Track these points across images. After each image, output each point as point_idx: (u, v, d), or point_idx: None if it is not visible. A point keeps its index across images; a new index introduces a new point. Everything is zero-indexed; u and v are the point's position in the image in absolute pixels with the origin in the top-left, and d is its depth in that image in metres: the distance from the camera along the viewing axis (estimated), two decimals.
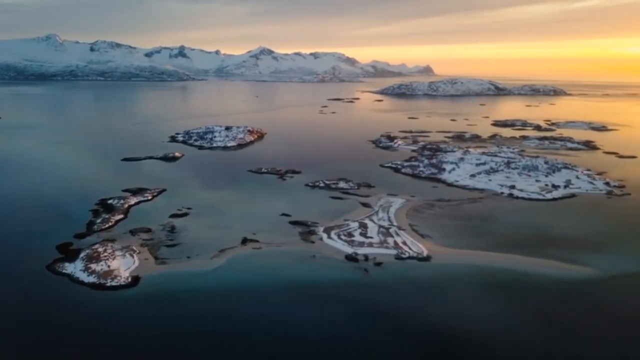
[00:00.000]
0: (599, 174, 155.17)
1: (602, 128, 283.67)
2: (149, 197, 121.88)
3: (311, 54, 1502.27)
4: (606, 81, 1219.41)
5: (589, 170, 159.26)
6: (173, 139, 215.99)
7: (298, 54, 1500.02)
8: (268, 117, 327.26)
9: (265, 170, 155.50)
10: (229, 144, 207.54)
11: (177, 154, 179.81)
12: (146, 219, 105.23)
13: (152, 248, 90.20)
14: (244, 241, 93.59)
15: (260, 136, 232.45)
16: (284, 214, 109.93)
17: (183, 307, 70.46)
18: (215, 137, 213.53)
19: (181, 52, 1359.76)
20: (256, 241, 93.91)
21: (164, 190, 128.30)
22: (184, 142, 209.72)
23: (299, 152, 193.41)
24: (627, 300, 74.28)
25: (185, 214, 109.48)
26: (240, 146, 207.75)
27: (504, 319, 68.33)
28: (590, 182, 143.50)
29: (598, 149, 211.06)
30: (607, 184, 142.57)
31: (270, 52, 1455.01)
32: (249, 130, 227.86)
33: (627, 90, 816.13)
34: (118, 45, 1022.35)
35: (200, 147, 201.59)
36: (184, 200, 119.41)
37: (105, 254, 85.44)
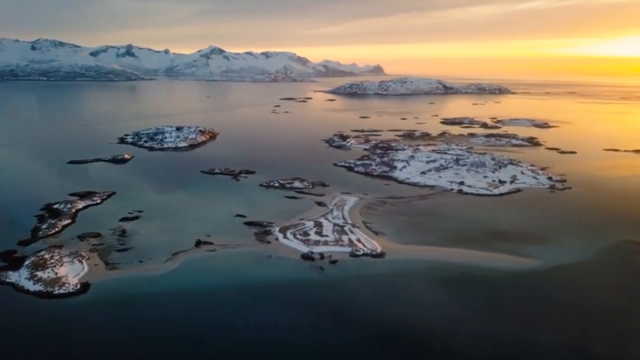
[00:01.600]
0: (542, 169, 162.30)
1: (544, 125, 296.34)
2: (98, 201, 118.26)
3: (263, 54, 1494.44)
4: (547, 80, 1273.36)
5: (533, 165, 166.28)
6: (122, 141, 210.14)
7: (249, 53, 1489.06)
8: (220, 117, 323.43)
9: (219, 171, 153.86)
10: (180, 145, 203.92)
11: (126, 156, 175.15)
12: (95, 224, 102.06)
13: (102, 253, 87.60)
14: (198, 243, 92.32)
15: (213, 136, 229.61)
16: (238, 215, 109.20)
17: (136, 313, 68.98)
18: (166, 137, 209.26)
19: (129, 51, 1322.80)
20: (210, 243, 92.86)
21: (113, 193, 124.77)
22: (133, 143, 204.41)
23: (253, 152, 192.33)
24: (570, 289, 78.14)
25: (136, 217, 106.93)
26: (192, 147, 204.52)
27: (455, 312, 70.46)
28: (534, 177, 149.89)
29: (541, 145, 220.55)
30: (550, 178, 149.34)
31: (221, 51, 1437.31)
32: (200, 131, 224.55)
33: (566, 89, 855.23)
34: (61, 43, 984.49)
35: (151, 149, 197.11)
36: (135, 203, 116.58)
37: (52, 260, 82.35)
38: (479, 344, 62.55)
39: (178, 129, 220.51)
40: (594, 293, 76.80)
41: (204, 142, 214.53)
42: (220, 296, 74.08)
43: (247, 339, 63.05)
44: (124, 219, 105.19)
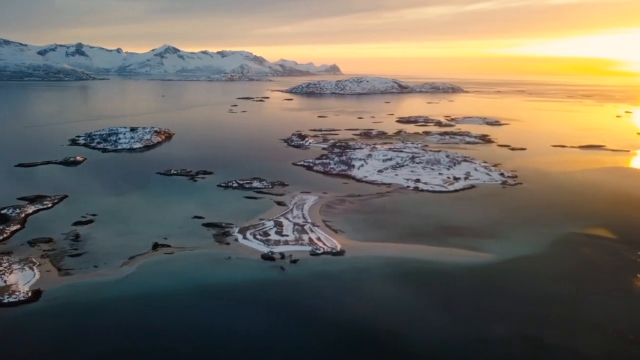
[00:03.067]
0: (495, 165, 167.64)
1: (495, 123, 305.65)
2: (49, 205, 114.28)
3: (219, 53, 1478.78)
4: (497, 79, 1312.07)
5: (485, 162, 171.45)
6: (74, 143, 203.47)
7: (205, 52, 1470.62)
8: (176, 117, 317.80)
9: (175, 172, 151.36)
10: (135, 146, 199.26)
11: (78, 158, 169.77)
12: (47, 229, 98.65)
13: (54, 259, 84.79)
14: (155, 247, 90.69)
15: (169, 137, 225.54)
16: (196, 217, 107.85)
17: (92, 320, 67.03)
18: (120, 139, 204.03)
19: (79, 50, 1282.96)
20: (168, 246, 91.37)
21: (65, 197, 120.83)
22: (86, 145, 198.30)
23: (210, 152, 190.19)
24: (523, 281, 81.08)
25: (90, 222, 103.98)
26: (147, 148, 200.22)
27: (414, 307, 71.99)
28: (488, 174, 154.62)
29: (493, 142, 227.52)
30: (502, 175, 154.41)
31: (176, 50, 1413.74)
32: (156, 131, 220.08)
33: (516, 88, 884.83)
34: (7, 42, 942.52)
35: (104, 150, 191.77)
36: (88, 206, 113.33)
37: (1, 268, 79.18)
38: (437, 338, 64.17)
39: (133, 130, 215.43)
40: (545, 284, 79.94)
41: (159, 143, 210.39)
42: (180, 300, 72.99)
43: (209, 343, 62.43)
44: (77, 224, 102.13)
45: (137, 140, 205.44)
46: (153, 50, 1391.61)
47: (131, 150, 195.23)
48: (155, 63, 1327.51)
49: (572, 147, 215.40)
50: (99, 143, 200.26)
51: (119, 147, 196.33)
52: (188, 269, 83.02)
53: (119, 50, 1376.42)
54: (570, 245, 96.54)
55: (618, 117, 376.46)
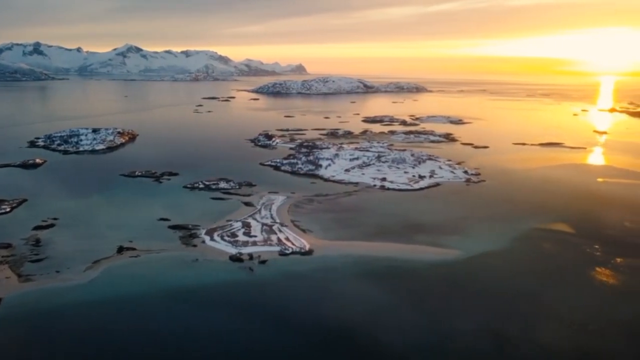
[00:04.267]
0: (459, 163, 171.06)
1: (459, 121, 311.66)
2: (7, 209, 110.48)
3: (183, 52, 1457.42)
4: (460, 79, 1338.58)
5: (449, 160, 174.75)
6: (32, 144, 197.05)
7: (169, 52, 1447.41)
8: (140, 117, 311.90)
9: (139, 174, 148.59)
10: (97, 147, 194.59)
11: (38, 160, 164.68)
12: (5, 234, 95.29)
13: (13, 265, 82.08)
14: (120, 250, 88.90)
15: (132, 138, 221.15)
16: (162, 219, 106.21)
17: (55, 327, 65.26)
18: (81, 140, 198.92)
19: (37, 49, 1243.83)
20: (133, 249, 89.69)
21: (24, 200, 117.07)
22: (45, 147, 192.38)
23: (175, 153, 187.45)
24: (488, 276, 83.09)
25: (51, 225, 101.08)
26: (110, 149, 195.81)
27: (383, 305, 72.86)
28: (452, 172, 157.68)
29: (456, 140, 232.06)
30: (466, 172, 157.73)
31: (139, 49, 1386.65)
32: (119, 132, 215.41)
33: (478, 87, 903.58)
34: None
35: (65, 152, 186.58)
36: (49, 210, 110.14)
37: None
38: (406, 335, 65.12)
39: (94, 130, 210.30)
40: (508, 279, 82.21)
41: (122, 144, 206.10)
42: (147, 304, 71.83)
43: (176, 347, 61.66)
44: (37, 228, 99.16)
45: (99, 141, 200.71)
46: (115, 50, 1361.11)
47: (93, 151, 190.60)
48: (117, 62, 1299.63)
49: (532, 144, 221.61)
50: (59, 144, 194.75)
51: (81, 149, 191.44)
52: (154, 271, 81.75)
53: (78, 49, 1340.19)
54: (532, 240, 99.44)
55: (575, 115, 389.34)
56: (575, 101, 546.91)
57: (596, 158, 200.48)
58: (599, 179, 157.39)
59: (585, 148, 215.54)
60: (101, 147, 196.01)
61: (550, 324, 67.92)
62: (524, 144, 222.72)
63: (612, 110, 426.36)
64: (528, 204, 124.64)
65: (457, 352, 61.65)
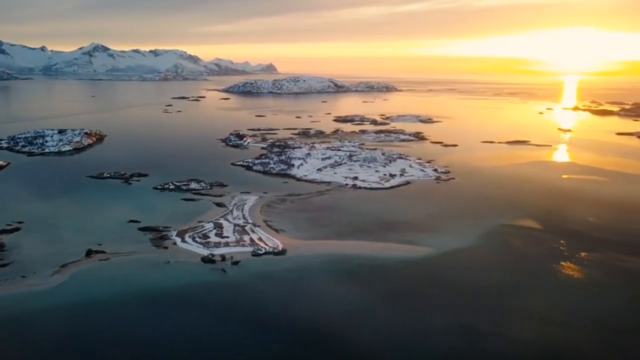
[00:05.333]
0: (428, 162, 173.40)
1: (428, 120, 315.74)
2: None
3: (151, 52, 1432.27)
4: (429, 78, 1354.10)
5: (419, 159, 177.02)
6: None
7: (136, 51, 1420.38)
8: (107, 118, 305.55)
9: (108, 175, 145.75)
10: (63, 149, 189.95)
11: (1, 163, 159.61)
12: None
13: None
14: (89, 253, 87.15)
15: (100, 138, 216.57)
16: (132, 221, 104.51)
17: (22, 333, 63.57)
18: (47, 141, 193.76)
19: None
20: (102, 252, 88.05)
21: None
22: (9, 148, 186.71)
23: (145, 153, 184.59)
24: (458, 272, 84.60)
25: (16, 229, 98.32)
26: (77, 150, 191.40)
27: (357, 303, 73.35)
28: (422, 170, 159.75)
29: (426, 139, 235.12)
30: (436, 170, 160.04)
31: (106, 48, 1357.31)
32: (86, 133, 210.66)
33: (447, 86, 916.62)
34: None
35: (30, 154, 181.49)
36: (14, 213, 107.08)
37: None
38: (380, 332, 65.84)
39: (61, 131, 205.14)
40: (479, 274, 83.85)
41: (90, 145, 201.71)
42: (117, 308, 70.61)
43: (149, 351, 60.92)
44: (1, 232, 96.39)
45: (65, 142, 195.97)
46: (81, 49, 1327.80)
47: (59, 153, 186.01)
48: (83, 62, 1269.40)
49: (499, 142, 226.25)
50: (23, 146, 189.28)
51: (46, 150, 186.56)
52: (124, 275, 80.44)
53: (43, 48, 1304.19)
54: (500, 237, 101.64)
55: (540, 113, 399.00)
56: (540, 100, 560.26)
57: (561, 155, 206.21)
58: (564, 176, 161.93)
59: (550, 145, 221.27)
60: (68, 148, 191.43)
61: (518, 317, 69.72)
62: (491, 142, 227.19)
63: (576, 108, 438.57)
64: (496, 201, 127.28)
65: (429, 348, 62.66)
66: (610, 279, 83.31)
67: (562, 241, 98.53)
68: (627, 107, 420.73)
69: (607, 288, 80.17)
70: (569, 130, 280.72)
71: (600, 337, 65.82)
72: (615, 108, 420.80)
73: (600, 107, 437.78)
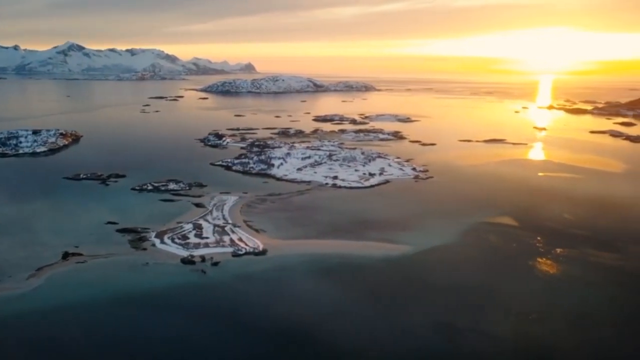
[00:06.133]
0: (407, 160, 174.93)
1: (406, 120, 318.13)
2: None
3: (128, 51, 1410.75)
4: (407, 77, 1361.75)
5: (398, 158, 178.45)
6: None
7: (113, 50, 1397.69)
8: (83, 118, 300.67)
9: (84, 176, 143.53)
10: (38, 150, 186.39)
11: None
12: None
13: None
14: (65, 256, 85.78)
15: (76, 139, 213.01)
16: (110, 222, 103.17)
17: None
18: (21, 142, 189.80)
19: None
20: (80, 254, 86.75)
21: None
22: None
23: (122, 154, 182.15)
24: (437, 269, 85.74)
25: None
26: (52, 151, 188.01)
27: (337, 302, 73.70)
28: (401, 169, 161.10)
29: (405, 138, 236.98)
30: (414, 169, 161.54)
31: (81, 48, 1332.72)
32: (61, 133, 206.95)
33: (424, 85, 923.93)
34: None
35: (3, 155, 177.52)
36: None
37: None
38: (361, 331, 66.32)
39: (35, 132, 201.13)
40: (457, 271, 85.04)
41: (66, 146, 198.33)
42: (95, 311, 69.66)
43: (128, 355, 60.29)
44: None
45: (40, 143, 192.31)
46: (55, 48, 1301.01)
47: (34, 154, 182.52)
48: (58, 61, 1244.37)
49: (477, 141, 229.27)
50: None
51: (20, 151, 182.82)
52: (102, 277, 79.42)
53: (15, 47, 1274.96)
54: (478, 234, 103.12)
55: (516, 112, 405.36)
56: (516, 99, 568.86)
57: (537, 153, 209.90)
58: (540, 174, 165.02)
59: (526, 144, 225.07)
60: (42, 149, 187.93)
61: (496, 313, 70.94)
62: (469, 140, 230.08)
63: (551, 107, 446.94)
64: (474, 199, 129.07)
65: (409, 345, 63.34)
66: (585, 274, 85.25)
67: (538, 238, 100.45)
68: (599, 105, 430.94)
69: (582, 283, 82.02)
70: (544, 129, 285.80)
71: (575, 331, 67.37)
72: (589, 107, 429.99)
73: (575, 106, 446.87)
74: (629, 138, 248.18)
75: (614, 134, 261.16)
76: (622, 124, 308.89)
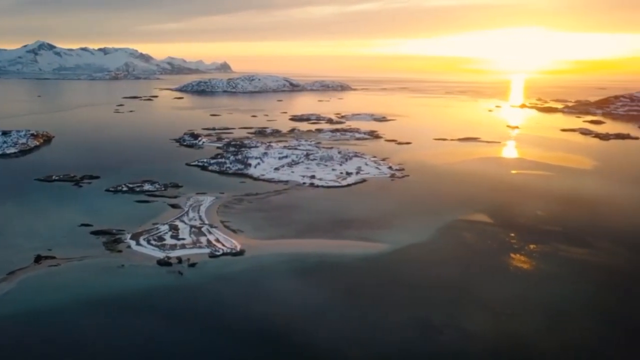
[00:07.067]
0: (383, 159, 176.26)
1: (382, 119, 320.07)
2: None
3: (100, 50, 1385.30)
4: (382, 77, 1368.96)
5: (375, 157, 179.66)
6: None
7: (85, 49, 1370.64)
8: (55, 118, 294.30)
9: (57, 178, 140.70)
10: (8, 151, 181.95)
11: None
12: None
13: None
14: (38, 259, 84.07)
15: (48, 140, 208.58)
16: (83, 224, 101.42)
17: None
18: None
19: None
20: (53, 257, 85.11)
21: None
22: None
23: (96, 155, 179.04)
24: (414, 267, 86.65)
25: None
26: (23, 152, 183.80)
27: (316, 301, 73.90)
28: (377, 168, 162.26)
29: (381, 137, 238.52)
30: (390, 168, 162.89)
31: (52, 46, 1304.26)
32: (32, 134, 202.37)
33: (399, 85, 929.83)
34: None
35: None
36: None
37: None
38: (339, 329, 66.64)
39: (4, 133, 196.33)
40: (434, 268, 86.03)
41: (37, 147, 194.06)
42: (69, 315, 68.50)
43: (103, 359, 59.46)
44: None
45: (10, 144, 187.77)
46: (25, 46, 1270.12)
47: (3, 155, 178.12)
48: (28, 60, 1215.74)
49: (451, 139, 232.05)
50: None
51: None
52: (77, 280, 78.12)
53: None
54: (454, 231, 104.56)
55: (489, 111, 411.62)
56: (489, 98, 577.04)
57: (510, 151, 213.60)
58: (513, 171, 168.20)
59: (499, 142, 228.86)
60: (13, 150, 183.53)
61: (472, 311, 72.05)
62: (444, 139, 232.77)
63: (523, 106, 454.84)
64: (449, 197, 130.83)
65: (387, 343, 63.86)
66: (558, 269, 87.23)
67: (512, 234, 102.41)
68: (570, 104, 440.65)
69: (555, 278, 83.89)
70: (516, 127, 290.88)
71: (549, 324, 68.81)
72: (560, 105, 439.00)
73: (546, 105, 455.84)
74: (598, 136, 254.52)
75: (584, 132, 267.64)
76: (592, 122, 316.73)
